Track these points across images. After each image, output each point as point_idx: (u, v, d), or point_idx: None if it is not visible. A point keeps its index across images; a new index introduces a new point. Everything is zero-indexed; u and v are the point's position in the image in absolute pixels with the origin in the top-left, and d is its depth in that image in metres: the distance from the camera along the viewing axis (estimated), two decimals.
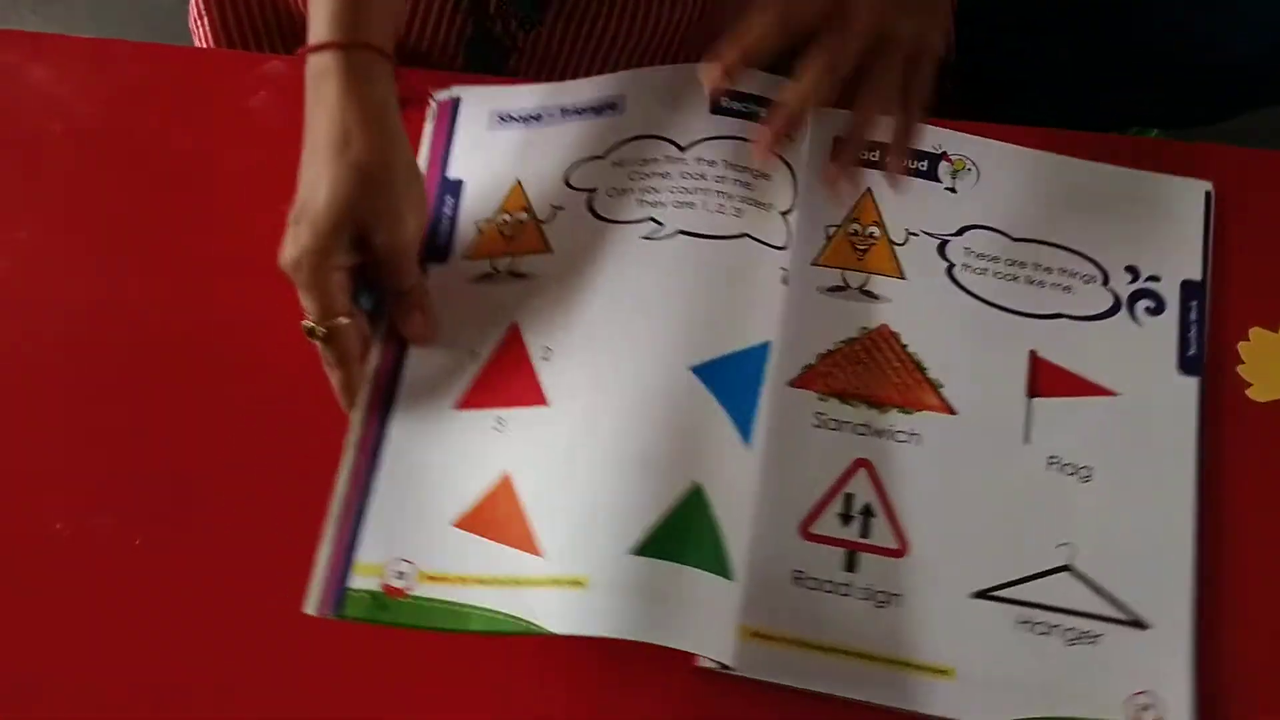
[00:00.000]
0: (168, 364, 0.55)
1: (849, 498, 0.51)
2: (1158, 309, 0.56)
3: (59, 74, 0.61)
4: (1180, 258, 0.57)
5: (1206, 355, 0.54)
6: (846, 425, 0.52)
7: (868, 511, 0.51)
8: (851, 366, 0.54)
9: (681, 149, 0.56)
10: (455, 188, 0.57)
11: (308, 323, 0.50)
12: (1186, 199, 0.58)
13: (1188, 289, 0.56)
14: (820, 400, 0.53)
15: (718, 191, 0.54)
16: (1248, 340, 0.56)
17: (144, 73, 0.62)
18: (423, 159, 0.58)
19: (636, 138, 0.56)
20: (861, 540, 0.51)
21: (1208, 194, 0.58)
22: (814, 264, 0.56)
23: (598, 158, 0.56)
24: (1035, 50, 0.79)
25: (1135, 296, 0.56)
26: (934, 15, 0.55)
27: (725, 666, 0.47)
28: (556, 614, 0.45)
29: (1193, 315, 0.56)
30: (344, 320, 0.50)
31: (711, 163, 0.55)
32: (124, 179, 0.60)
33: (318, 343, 0.50)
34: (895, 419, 0.53)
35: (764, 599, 0.49)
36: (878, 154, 0.58)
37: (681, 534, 0.46)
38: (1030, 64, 0.79)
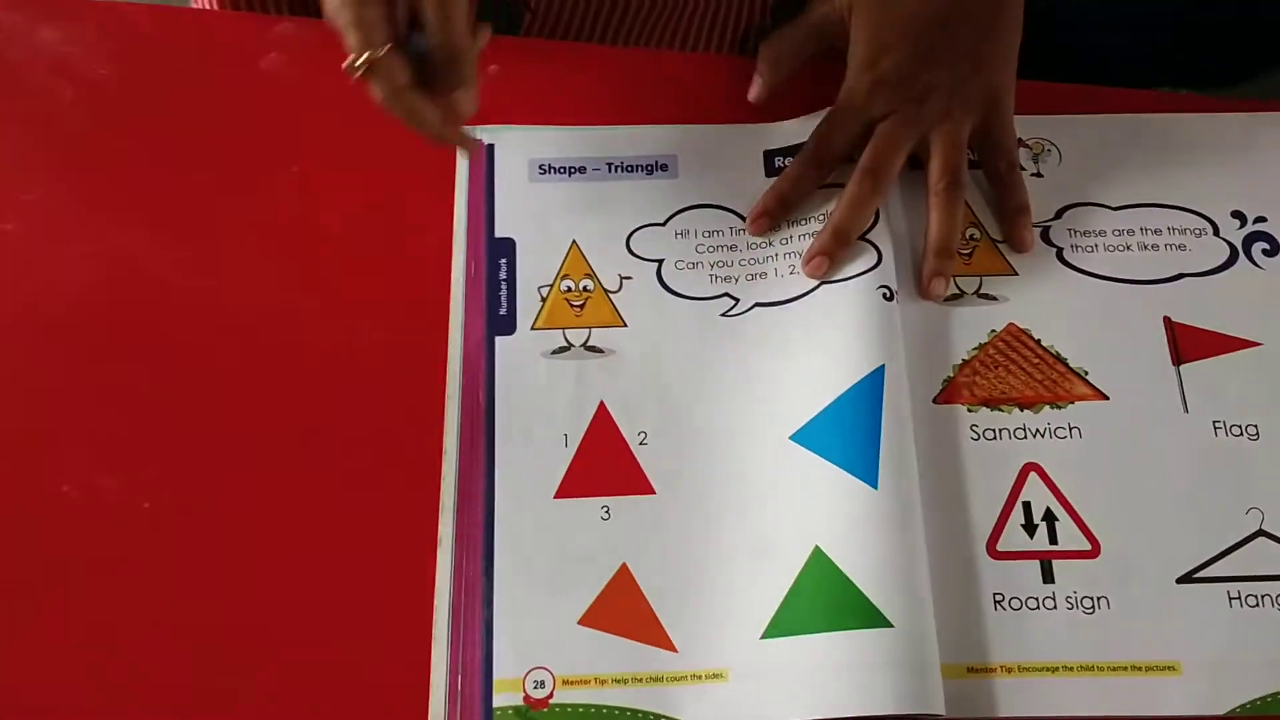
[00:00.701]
0: (177, 326, 0.53)
1: (1027, 506, 0.49)
2: (1274, 249, 0.54)
3: (67, 34, 0.59)
4: None
5: None
6: (1004, 432, 0.50)
7: (1050, 516, 0.49)
8: (992, 372, 0.52)
9: (744, 219, 0.55)
10: (507, 248, 0.55)
11: (345, 62, 0.47)
12: (1270, 133, 0.57)
13: None
14: (970, 412, 0.51)
15: (785, 253, 0.54)
16: None
17: (153, 34, 0.60)
18: (461, 212, 0.55)
19: (696, 206, 0.55)
20: (1052, 548, 0.48)
21: None
22: None
23: (658, 225, 0.55)
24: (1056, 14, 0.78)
25: (1249, 241, 0.55)
26: (990, 44, 0.53)
27: (935, 716, 0.44)
28: (703, 709, 0.44)
29: None
30: (381, 51, 0.46)
31: (775, 227, 0.54)
32: (133, 141, 0.58)
33: (368, 82, 0.47)
34: (1050, 416, 0.51)
35: (968, 630, 0.47)
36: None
37: (811, 603, 0.45)
38: (1049, 27, 0.78)
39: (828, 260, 0.52)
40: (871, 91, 0.54)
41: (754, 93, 0.57)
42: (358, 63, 0.47)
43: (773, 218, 0.54)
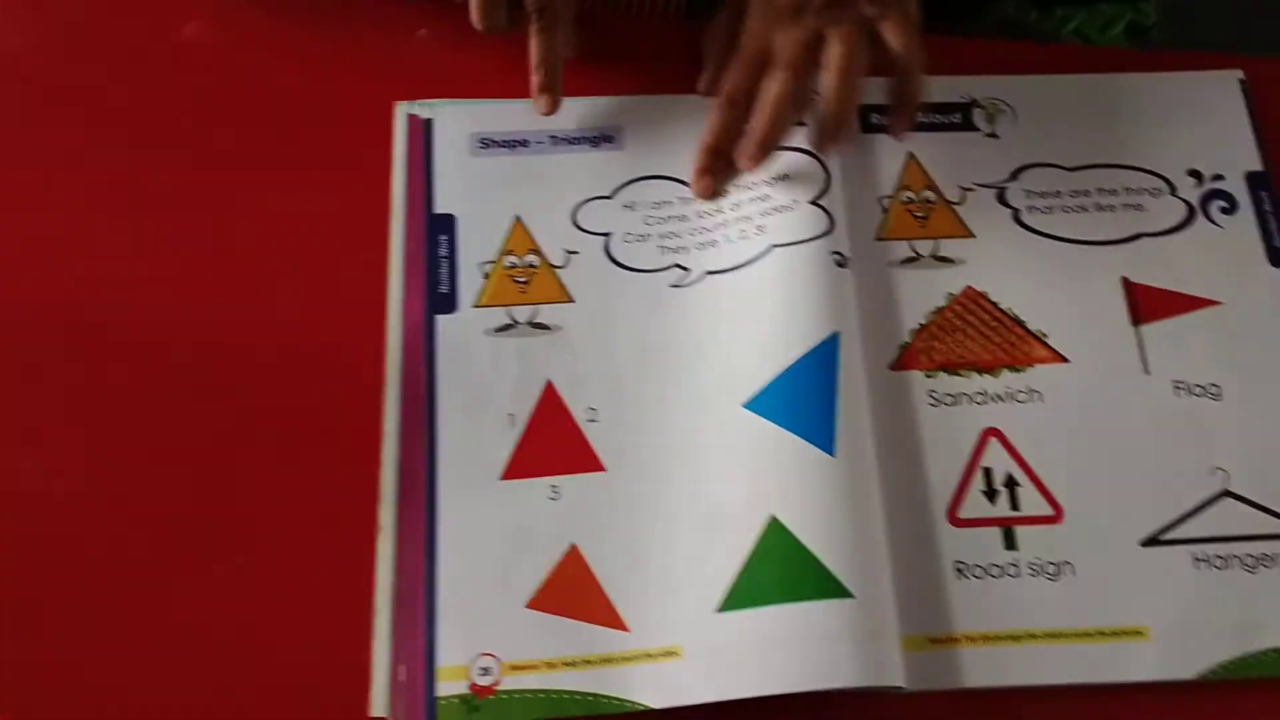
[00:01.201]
0: (101, 307, 0.51)
1: (988, 472, 0.48)
2: (1231, 208, 0.54)
3: None
4: (1237, 150, 0.55)
5: None
6: (963, 397, 0.49)
7: (1011, 482, 0.47)
8: (949, 336, 0.50)
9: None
10: (447, 224, 0.53)
11: None
12: (1223, 90, 0.56)
13: (1254, 181, 0.54)
14: (928, 377, 0.49)
15: (736, 219, 0.52)
16: None
17: (66, 1, 0.57)
18: (399, 189, 0.53)
19: (644, 178, 0.54)
20: (1014, 514, 0.47)
21: (1241, 81, 0.56)
22: (878, 240, 0.53)
23: (604, 198, 0.53)
24: None
25: (1206, 199, 0.54)
26: None
27: (895, 688, 0.43)
28: (656, 688, 0.43)
29: (1267, 206, 0.54)
30: None
31: (724, 193, 0.53)
32: (48, 114, 0.55)
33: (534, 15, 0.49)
34: (1009, 379, 0.49)
35: (930, 600, 0.45)
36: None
37: (767, 574, 0.43)
38: None
39: (707, 182, 0.52)
40: (769, 23, 0.52)
41: (703, 85, 0.56)
42: None
43: (712, 173, 0.53)
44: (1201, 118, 0.55)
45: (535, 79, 0.52)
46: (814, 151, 0.53)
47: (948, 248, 0.52)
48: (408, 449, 0.49)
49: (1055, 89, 0.56)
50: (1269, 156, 0.55)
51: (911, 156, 0.54)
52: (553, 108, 0.53)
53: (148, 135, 0.55)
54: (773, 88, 0.51)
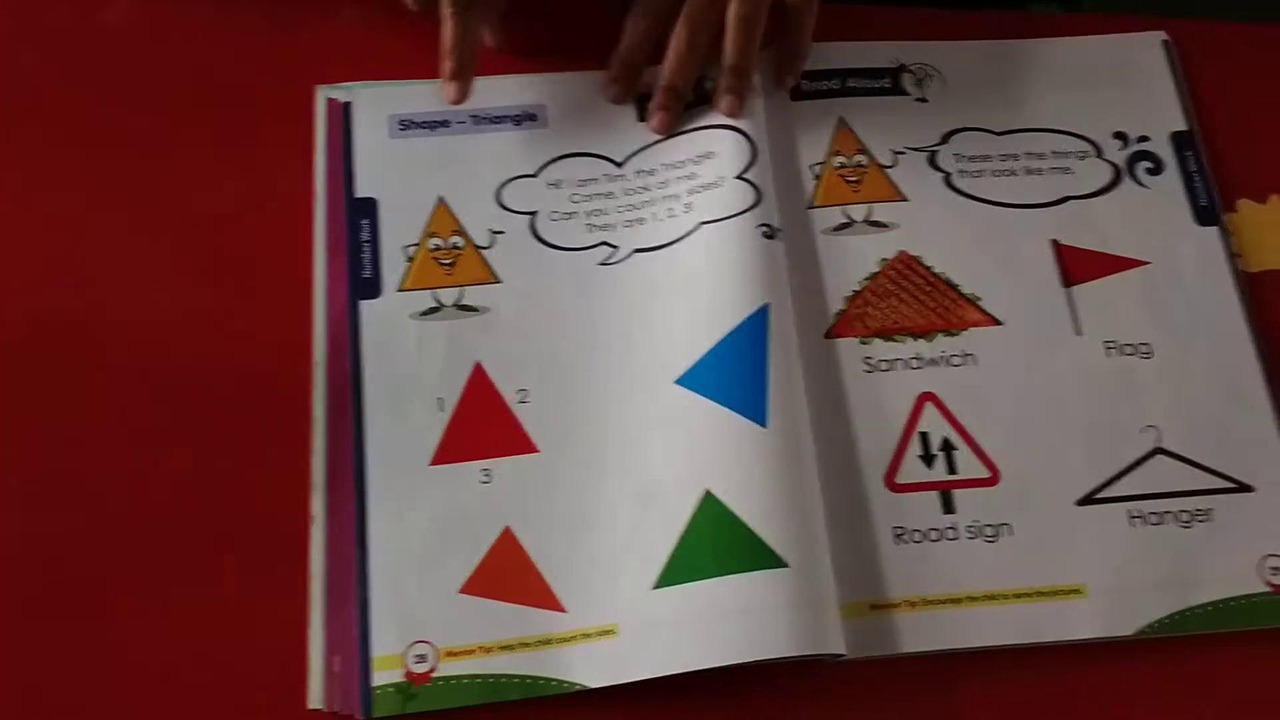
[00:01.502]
0: (17, 295, 0.49)
1: (924, 437, 0.47)
2: (1157, 168, 0.54)
3: None
4: (1161, 111, 0.55)
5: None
6: (898, 363, 0.49)
7: (948, 446, 0.47)
8: (884, 301, 0.50)
9: (619, 165, 0.53)
10: (368, 208, 0.51)
11: None
12: (1147, 52, 0.57)
13: (1179, 141, 0.54)
14: (863, 344, 0.49)
15: (664, 198, 0.52)
16: (1235, 212, 0.54)
17: None
18: (320, 174, 0.52)
19: (569, 155, 0.53)
20: (952, 478, 0.47)
21: (1165, 42, 0.57)
22: (810, 208, 0.52)
23: (529, 176, 0.52)
24: None
25: (1132, 160, 0.54)
26: None
27: (836, 655, 0.42)
28: (594, 668, 0.42)
29: (1192, 166, 0.54)
30: None
31: (651, 171, 0.52)
32: None
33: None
34: (944, 344, 0.49)
35: (869, 567, 0.45)
36: (836, 82, 0.55)
37: (703, 548, 0.43)
38: None
39: (617, 89, 0.53)
40: None
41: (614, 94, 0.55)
42: None
43: (622, 82, 0.53)
44: (1126, 80, 0.56)
45: (445, 65, 0.50)
46: (739, 126, 0.52)
47: (881, 212, 0.52)
48: (336, 437, 0.48)
49: (982, 54, 0.56)
50: (1194, 117, 0.55)
51: (841, 121, 0.54)
52: (461, 96, 0.51)
53: (65, 119, 0.53)
54: (681, 33, 0.51)
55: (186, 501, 0.47)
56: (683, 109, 0.53)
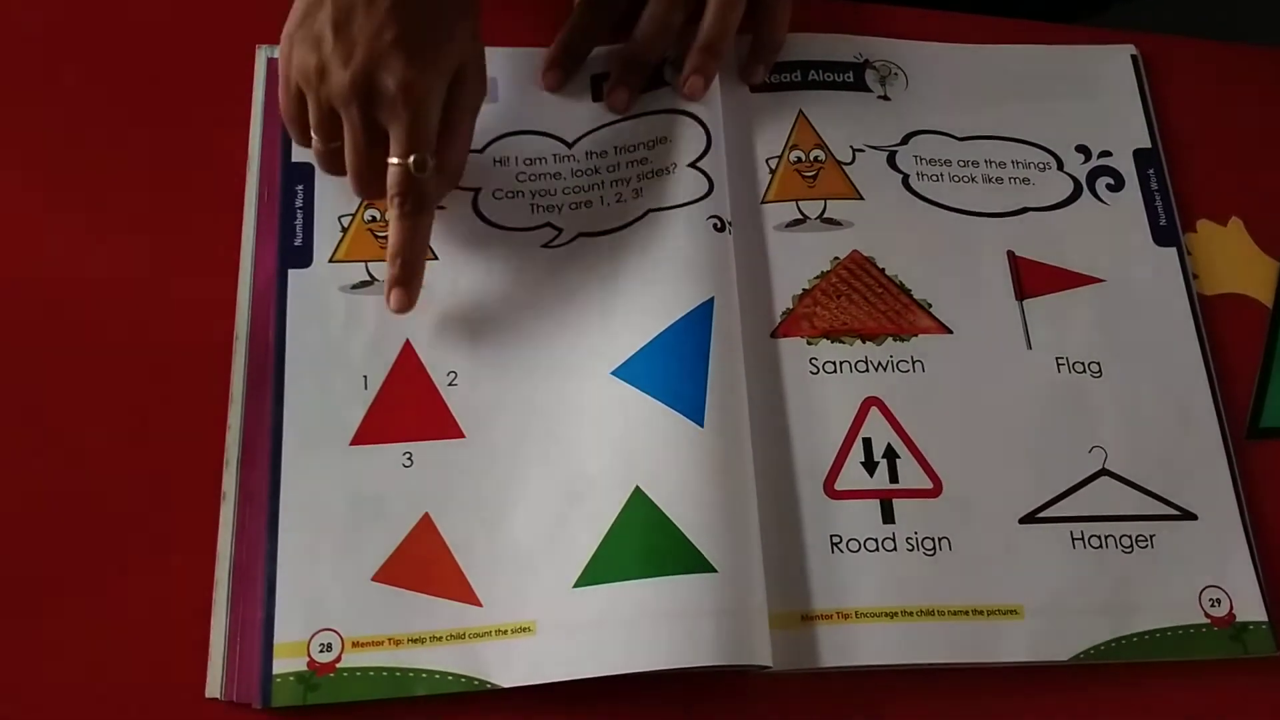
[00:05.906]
0: None
1: (867, 443, 0.46)
2: (1118, 184, 0.53)
3: None
4: (1126, 127, 0.54)
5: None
6: (845, 365, 0.47)
7: (891, 453, 0.46)
8: (833, 301, 0.48)
9: (569, 145, 0.51)
10: (304, 174, 0.49)
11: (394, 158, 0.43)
12: (1114, 66, 0.56)
13: (1141, 159, 0.53)
14: (809, 345, 0.47)
15: (613, 182, 0.50)
16: (1195, 232, 0.53)
17: None
18: (255, 136, 0.50)
19: (517, 132, 0.51)
20: (893, 486, 0.45)
21: (1133, 57, 0.56)
22: (764, 202, 0.51)
23: (474, 151, 0.50)
24: None
25: (1093, 175, 0.53)
26: None
27: (762, 667, 0.41)
28: (508, 666, 0.40)
29: (1153, 184, 0.53)
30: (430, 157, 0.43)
31: (602, 154, 0.51)
32: None
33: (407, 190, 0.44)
34: (893, 348, 0.48)
35: (803, 575, 0.43)
36: (798, 74, 0.53)
37: (628, 548, 0.41)
38: None
39: (555, 73, 0.51)
40: None
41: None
42: (413, 161, 0.43)
43: (563, 69, 0.52)
44: (1092, 93, 0.55)
45: (392, 270, 0.45)
46: (695, 113, 0.50)
47: (836, 209, 0.51)
48: (252, 411, 0.46)
49: (949, 57, 0.55)
50: (1159, 134, 0.54)
51: (801, 114, 0.52)
52: (408, 304, 0.45)
53: None
54: (656, 8, 0.50)
55: (93, 474, 0.44)
56: (641, 89, 0.51)
